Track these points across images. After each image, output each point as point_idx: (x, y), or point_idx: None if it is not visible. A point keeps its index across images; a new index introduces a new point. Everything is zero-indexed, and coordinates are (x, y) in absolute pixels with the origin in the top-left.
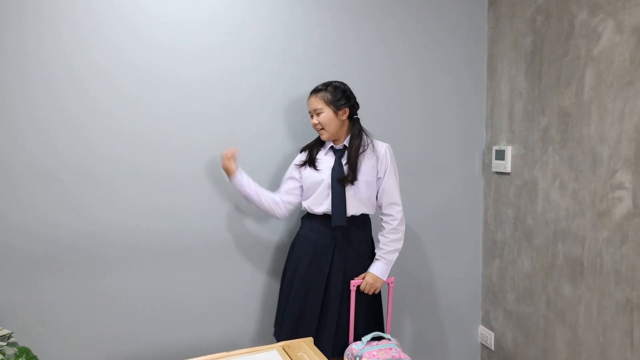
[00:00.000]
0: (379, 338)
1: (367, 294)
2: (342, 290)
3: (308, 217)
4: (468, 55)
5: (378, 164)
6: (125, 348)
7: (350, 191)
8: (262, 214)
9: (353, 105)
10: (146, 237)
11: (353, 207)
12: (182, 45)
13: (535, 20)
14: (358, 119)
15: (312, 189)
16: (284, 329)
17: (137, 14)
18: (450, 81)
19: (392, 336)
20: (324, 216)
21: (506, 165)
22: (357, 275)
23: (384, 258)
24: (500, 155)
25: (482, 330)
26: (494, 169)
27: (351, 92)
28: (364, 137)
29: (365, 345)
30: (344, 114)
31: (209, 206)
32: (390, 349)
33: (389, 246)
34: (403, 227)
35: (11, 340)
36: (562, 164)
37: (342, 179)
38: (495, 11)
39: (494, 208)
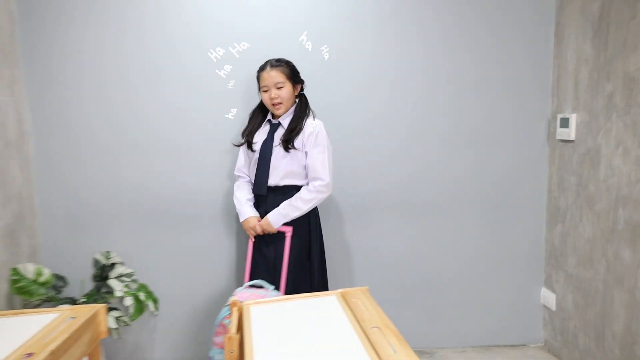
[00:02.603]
0: (261, 287)
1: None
2: (274, 252)
3: None
4: (535, 24)
5: (305, 139)
6: (208, 292)
7: (279, 162)
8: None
9: (303, 82)
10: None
11: (276, 177)
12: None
13: None
14: (305, 95)
15: (252, 163)
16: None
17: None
18: (517, 51)
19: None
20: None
21: (570, 132)
22: (297, 241)
23: (283, 208)
24: (565, 123)
25: (544, 292)
26: (558, 137)
27: None
28: (306, 111)
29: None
30: (297, 88)
31: None
32: (264, 296)
33: (295, 201)
34: (318, 196)
35: (133, 277)
36: (625, 130)
37: (270, 150)
38: None
39: (558, 175)
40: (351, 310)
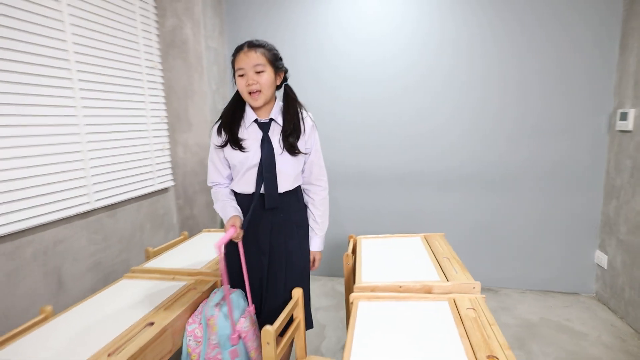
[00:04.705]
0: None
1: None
2: (285, 264)
3: (235, 195)
4: (602, 35)
5: (305, 135)
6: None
7: (281, 167)
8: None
9: (286, 70)
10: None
11: (285, 184)
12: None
13: None
14: (289, 85)
15: (239, 169)
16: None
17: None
18: (588, 60)
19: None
20: (255, 195)
21: (628, 124)
22: (299, 245)
23: (320, 231)
24: (624, 116)
25: (598, 253)
26: (617, 128)
27: None
28: (297, 105)
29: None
30: (280, 78)
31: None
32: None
33: (322, 218)
34: (328, 196)
35: None
36: None
37: (273, 156)
38: None
39: (615, 160)
40: (430, 247)
